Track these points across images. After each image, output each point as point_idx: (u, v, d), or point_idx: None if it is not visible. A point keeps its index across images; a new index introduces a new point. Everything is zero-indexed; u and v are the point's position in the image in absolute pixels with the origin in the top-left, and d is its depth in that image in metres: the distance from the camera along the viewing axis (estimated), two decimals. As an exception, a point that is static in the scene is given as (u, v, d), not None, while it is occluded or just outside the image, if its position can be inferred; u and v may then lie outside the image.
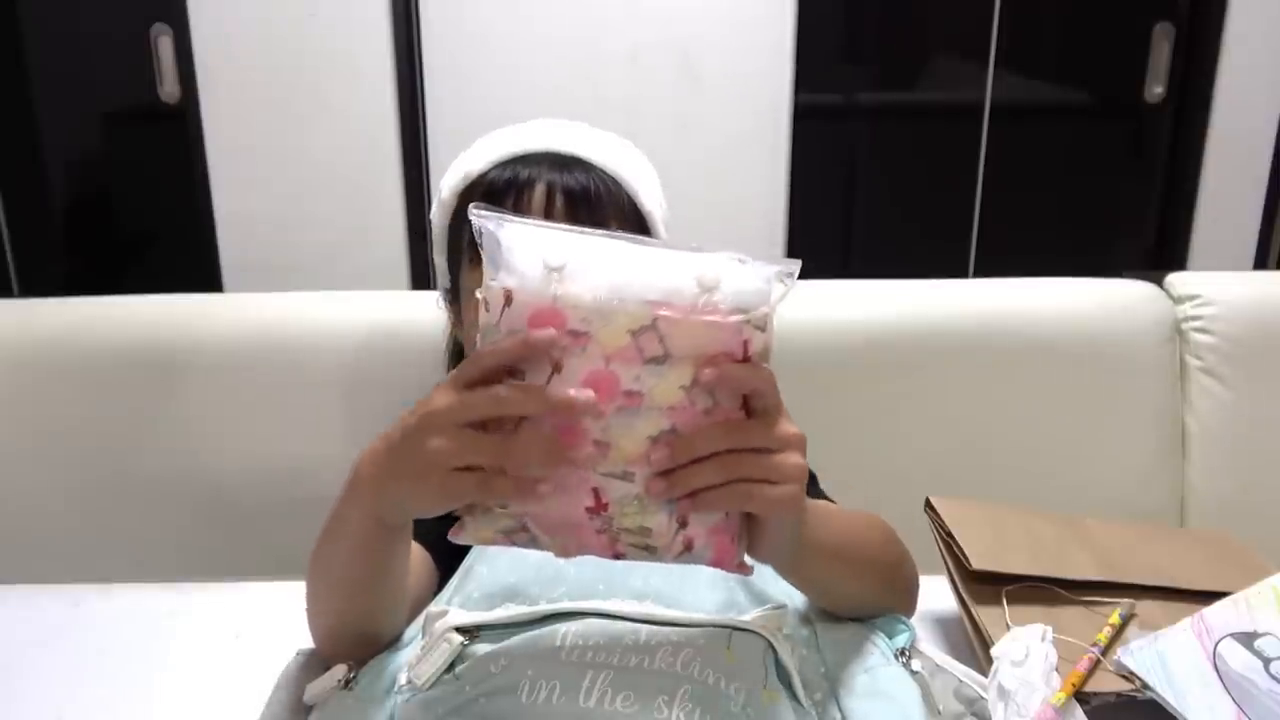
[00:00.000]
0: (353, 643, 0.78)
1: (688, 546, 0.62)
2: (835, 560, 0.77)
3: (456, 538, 0.63)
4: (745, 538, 0.64)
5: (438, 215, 0.96)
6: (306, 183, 2.26)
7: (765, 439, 0.61)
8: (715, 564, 0.64)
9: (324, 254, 2.28)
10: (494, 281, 0.58)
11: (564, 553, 0.63)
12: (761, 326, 0.60)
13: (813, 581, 0.80)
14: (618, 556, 0.63)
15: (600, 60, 2.20)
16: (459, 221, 0.91)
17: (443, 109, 2.24)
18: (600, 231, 0.61)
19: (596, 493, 0.60)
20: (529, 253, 0.58)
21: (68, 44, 2.34)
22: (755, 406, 0.61)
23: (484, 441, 0.59)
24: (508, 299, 0.58)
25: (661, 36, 2.19)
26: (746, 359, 0.59)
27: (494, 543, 0.63)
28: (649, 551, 0.62)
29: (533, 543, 0.63)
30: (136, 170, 2.46)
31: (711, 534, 0.62)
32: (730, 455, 0.60)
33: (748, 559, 0.65)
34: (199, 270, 2.29)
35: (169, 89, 2.26)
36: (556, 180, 0.87)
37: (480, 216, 0.59)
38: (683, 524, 0.61)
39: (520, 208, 0.86)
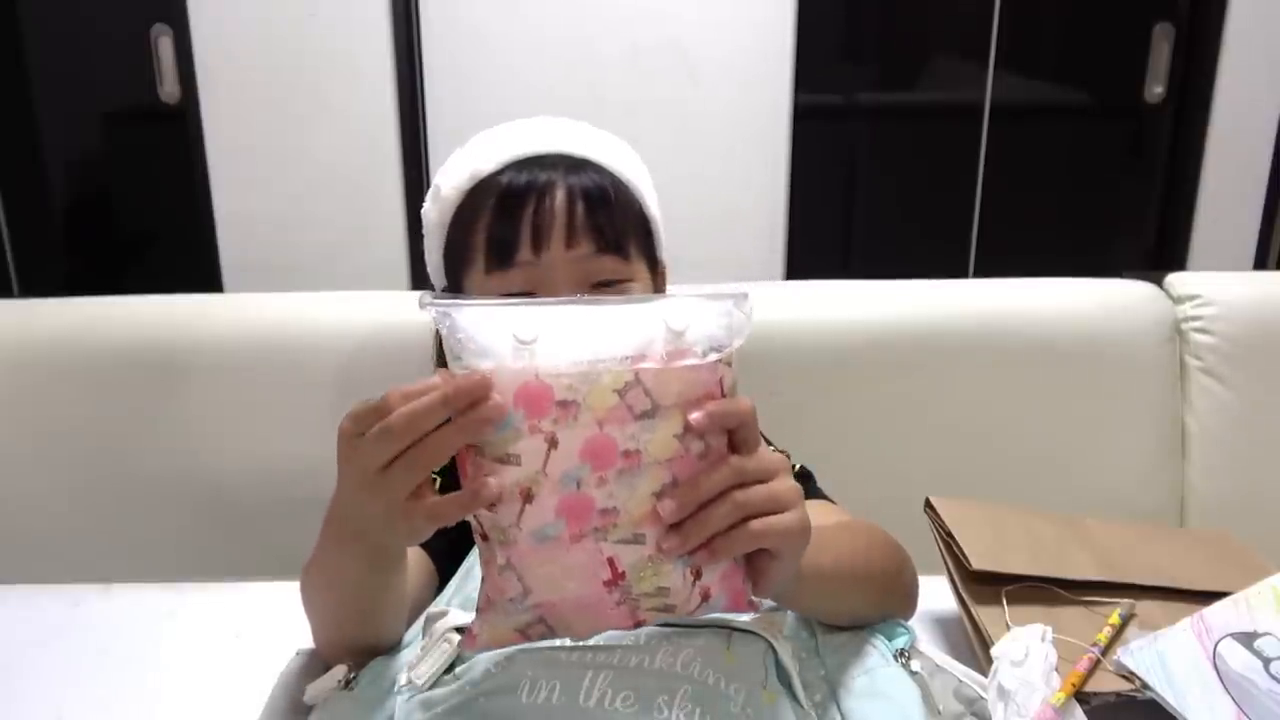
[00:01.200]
0: (353, 651, 0.78)
1: (705, 597, 0.62)
2: (833, 583, 0.77)
3: (471, 647, 0.62)
4: (750, 577, 0.64)
5: (435, 213, 0.93)
6: (306, 183, 2.26)
7: (758, 471, 0.60)
8: (730, 609, 0.63)
9: (324, 254, 2.28)
10: (465, 368, 0.56)
11: (581, 637, 0.62)
12: (730, 362, 0.60)
13: (812, 608, 0.80)
14: (638, 624, 0.62)
15: (600, 60, 2.20)
16: (464, 220, 0.90)
17: (443, 109, 2.24)
18: (553, 300, 0.59)
19: (612, 563, 0.59)
20: (497, 332, 0.56)
21: (68, 44, 2.34)
22: (739, 439, 0.60)
23: (404, 461, 0.57)
24: None
25: (661, 36, 2.19)
26: (723, 395, 0.60)
27: (511, 642, 0.62)
28: (668, 611, 0.62)
29: (549, 633, 0.62)
30: (136, 170, 2.46)
31: (724, 580, 0.62)
32: (735, 491, 0.59)
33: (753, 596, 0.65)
34: (199, 270, 2.29)
35: (169, 89, 2.26)
36: (575, 183, 0.86)
37: (434, 306, 0.57)
38: (697, 576, 0.61)
39: (543, 208, 0.84)
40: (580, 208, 0.85)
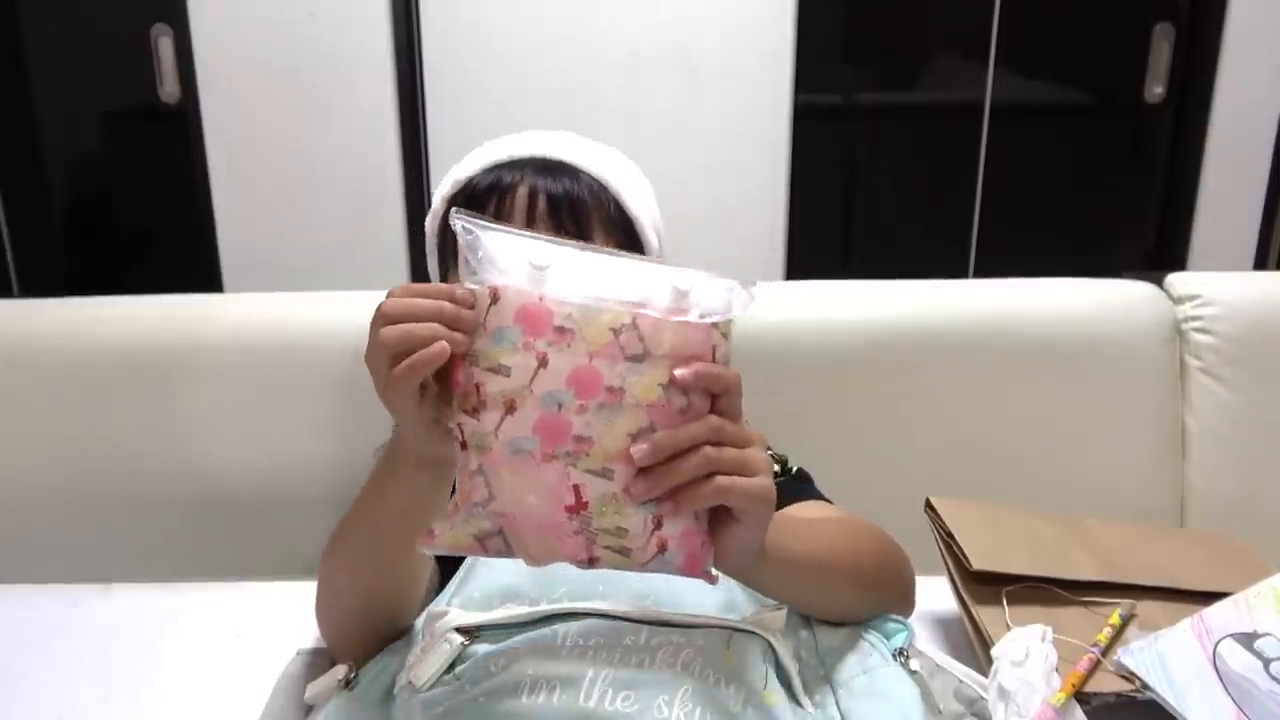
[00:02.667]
0: (366, 628, 0.78)
1: (661, 548, 0.62)
2: (808, 572, 0.77)
3: (427, 545, 0.63)
4: (711, 547, 0.65)
5: (429, 222, 0.97)
6: (307, 183, 2.26)
7: (736, 435, 0.62)
8: (684, 571, 0.64)
9: (324, 254, 2.28)
10: (478, 282, 0.60)
11: (535, 561, 0.63)
12: (726, 334, 0.63)
13: (785, 595, 0.79)
14: (592, 561, 0.63)
15: (601, 61, 2.20)
16: (443, 225, 0.92)
17: (443, 109, 2.24)
18: (575, 243, 0.62)
19: (577, 490, 0.60)
20: (513, 254, 0.60)
21: (68, 44, 2.34)
22: (721, 407, 0.62)
23: (394, 332, 0.61)
24: (494, 296, 0.60)
25: (662, 37, 2.19)
26: (714, 362, 0.62)
27: (468, 550, 0.63)
28: (622, 555, 0.62)
29: (505, 549, 0.63)
30: (136, 170, 2.46)
31: (684, 537, 0.63)
32: (708, 448, 0.61)
33: (713, 570, 0.65)
34: (199, 270, 2.29)
35: (169, 89, 2.26)
36: (539, 184, 0.88)
37: (462, 221, 0.61)
38: (658, 525, 0.62)
39: (502, 211, 0.87)
40: (542, 206, 0.87)
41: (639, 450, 0.59)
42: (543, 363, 0.59)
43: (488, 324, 0.60)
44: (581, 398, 0.59)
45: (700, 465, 0.60)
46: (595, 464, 0.60)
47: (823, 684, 0.79)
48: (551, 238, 0.63)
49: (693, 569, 0.64)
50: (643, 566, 0.63)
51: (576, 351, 0.59)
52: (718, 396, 0.62)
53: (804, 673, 0.77)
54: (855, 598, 0.83)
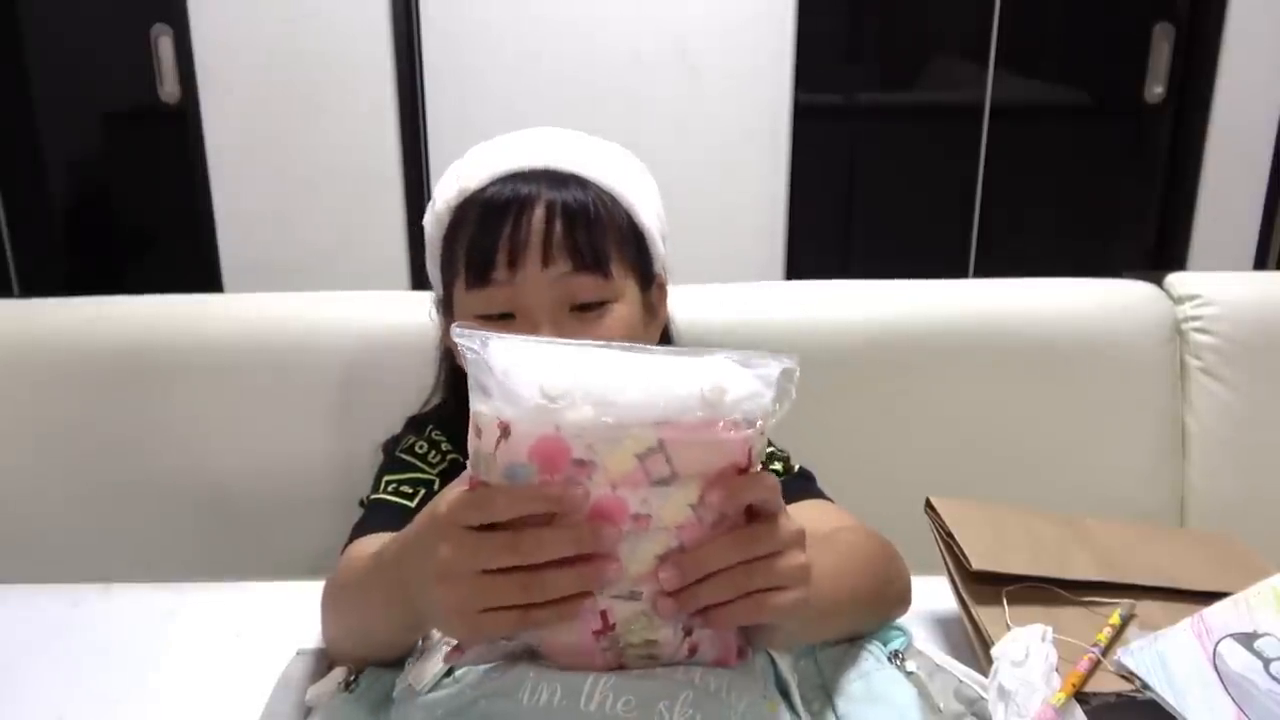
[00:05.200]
0: (368, 659, 0.78)
1: (692, 651, 0.62)
2: (824, 620, 0.77)
3: (454, 661, 0.62)
4: (743, 638, 0.64)
5: (432, 227, 0.94)
6: (306, 183, 2.26)
7: (770, 543, 0.60)
8: (718, 662, 0.64)
9: (324, 254, 2.28)
10: (486, 409, 0.56)
11: (566, 669, 0.63)
12: (763, 430, 0.58)
13: (803, 640, 0.80)
14: (621, 668, 0.62)
15: (600, 60, 2.20)
16: (454, 235, 0.90)
17: (443, 109, 2.24)
18: (592, 342, 0.58)
19: (604, 614, 0.59)
20: (524, 378, 0.55)
21: (68, 44, 2.34)
22: (758, 508, 0.60)
23: (513, 583, 0.56)
24: (504, 430, 0.55)
25: (662, 36, 2.19)
26: (749, 465, 0.58)
27: (495, 660, 0.63)
28: (653, 660, 0.62)
29: (534, 661, 0.63)
30: (136, 170, 2.46)
31: (716, 638, 0.62)
32: (739, 568, 0.59)
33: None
34: (199, 270, 2.29)
35: (169, 89, 2.26)
36: (556, 198, 0.85)
37: (464, 340, 0.56)
38: (689, 632, 0.61)
39: (520, 225, 0.84)
40: (558, 225, 0.85)
41: (666, 576, 0.57)
42: None
43: (498, 458, 0.55)
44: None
45: (730, 588, 0.59)
46: (622, 589, 0.58)
47: (821, 692, 0.79)
48: (562, 339, 0.58)
49: (726, 662, 0.64)
50: (675, 664, 0.62)
51: (598, 483, 0.55)
52: (753, 504, 0.59)
53: (803, 683, 0.77)
54: (859, 623, 0.83)
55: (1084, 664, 0.80)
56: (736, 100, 2.23)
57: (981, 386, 1.26)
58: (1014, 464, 1.27)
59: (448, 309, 0.94)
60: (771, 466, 0.95)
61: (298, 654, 0.83)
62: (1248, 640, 0.81)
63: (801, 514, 0.92)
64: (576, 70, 2.21)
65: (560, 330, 0.85)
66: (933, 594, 0.91)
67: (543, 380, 0.54)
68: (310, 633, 0.83)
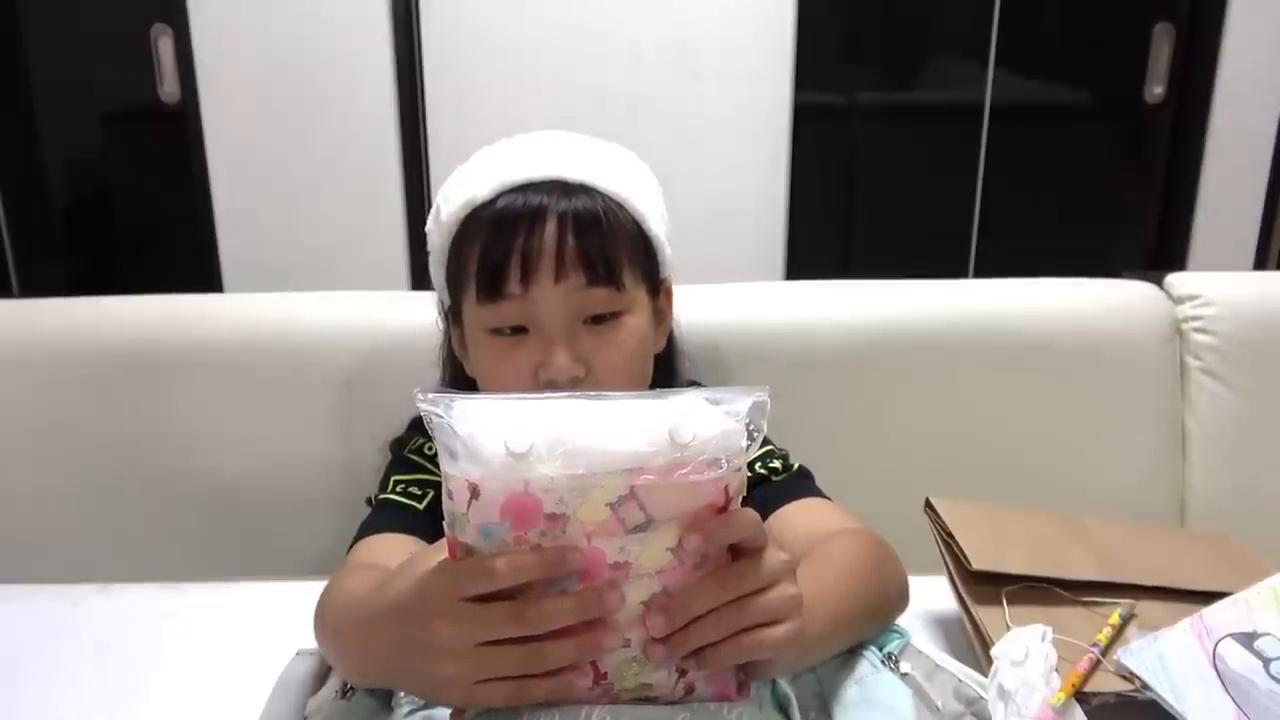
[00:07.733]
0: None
1: (689, 690, 0.62)
2: (827, 640, 0.77)
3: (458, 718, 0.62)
4: (741, 673, 0.64)
5: (437, 236, 0.92)
6: (306, 183, 2.26)
7: (757, 579, 0.59)
8: (717, 699, 0.63)
9: (324, 254, 2.28)
10: (455, 471, 0.55)
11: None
12: (739, 468, 0.57)
13: (810, 664, 0.79)
14: (616, 702, 0.62)
15: (601, 60, 2.20)
16: (462, 245, 0.88)
17: (443, 109, 2.24)
18: (556, 395, 0.58)
19: (595, 665, 0.59)
20: (489, 437, 0.55)
21: (68, 44, 2.34)
22: (741, 546, 0.59)
23: (512, 656, 0.57)
24: (474, 491, 0.55)
25: (662, 36, 2.19)
26: (727, 504, 0.58)
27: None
28: (649, 701, 0.62)
29: (534, 712, 0.63)
30: (136, 170, 2.46)
31: (711, 677, 0.62)
32: (728, 608, 0.58)
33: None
34: (199, 270, 2.29)
35: (169, 89, 2.26)
36: (567, 210, 0.85)
37: (426, 405, 0.56)
38: (683, 673, 0.61)
39: (532, 239, 0.84)
40: (570, 239, 0.84)
41: (653, 623, 0.57)
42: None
43: (470, 518, 0.55)
44: (585, 581, 0.56)
45: (720, 628, 0.58)
46: (612, 641, 0.58)
47: (818, 701, 0.78)
48: (526, 395, 0.58)
49: (725, 696, 0.63)
50: (672, 703, 0.62)
51: (573, 535, 0.55)
52: (736, 542, 0.59)
53: (801, 693, 0.77)
54: (862, 635, 0.82)
55: (1084, 664, 0.80)
56: (736, 100, 2.23)
57: (981, 386, 1.26)
58: (1014, 464, 1.27)
59: (455, 317, 0.94)
60: (771, 464, 0.95)
61: (297, 654, 0.83)
62: (1248, 640, 0.81)
63: (800, 513, 0.92)
64: (576, 70, 2.21)
65: (574, 342, 0.85)
66: (932, 594, 0.91)
67: (507, 438, 0.54)
68: (310, 633, 0.83)
